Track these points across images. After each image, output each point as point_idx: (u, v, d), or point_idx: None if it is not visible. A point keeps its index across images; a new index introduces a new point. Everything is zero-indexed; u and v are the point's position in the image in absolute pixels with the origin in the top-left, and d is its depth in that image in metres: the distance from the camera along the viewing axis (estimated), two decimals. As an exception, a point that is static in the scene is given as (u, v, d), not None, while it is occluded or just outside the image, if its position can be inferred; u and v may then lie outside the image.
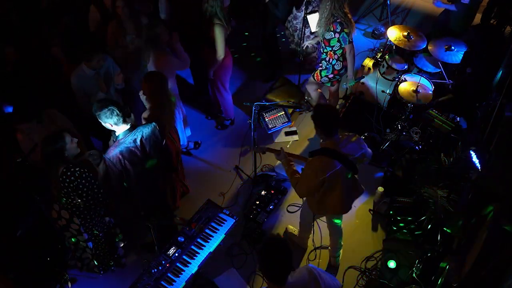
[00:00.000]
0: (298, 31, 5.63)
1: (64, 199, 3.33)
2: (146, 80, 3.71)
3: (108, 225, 3.75)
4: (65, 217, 3.47)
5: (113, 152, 3.37)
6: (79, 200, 3.31)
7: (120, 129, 3.45)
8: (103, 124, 3.41)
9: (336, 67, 4.56)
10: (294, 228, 4.34)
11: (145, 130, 3.45)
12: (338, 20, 4.21)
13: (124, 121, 3.45)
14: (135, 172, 3.47)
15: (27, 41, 4.37)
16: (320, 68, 4.70)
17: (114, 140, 3.54)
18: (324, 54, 4.56)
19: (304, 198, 3.72)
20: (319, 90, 5.08)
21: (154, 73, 3.86)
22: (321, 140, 3.33)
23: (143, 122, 3.67)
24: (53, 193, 3.38)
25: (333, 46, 4.41)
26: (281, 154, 3.56)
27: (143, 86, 3.72)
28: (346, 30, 4.25)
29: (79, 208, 3.39)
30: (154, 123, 3.49)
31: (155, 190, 3.79)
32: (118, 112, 3.35)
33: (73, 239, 3.65)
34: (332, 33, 4.30)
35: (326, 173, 3.19)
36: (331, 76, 4.62)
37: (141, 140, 3.42)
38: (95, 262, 3.88)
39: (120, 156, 3.37)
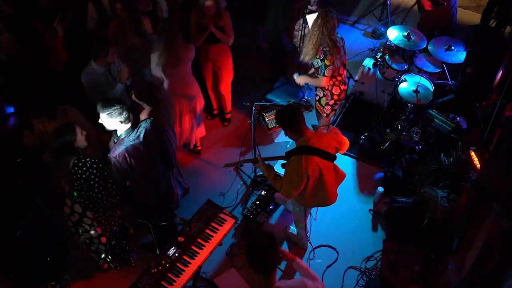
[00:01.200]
0: (298, 25, 5.65)
1: (76, 192, 3.34)
2: (137, 94, 3.75)
3: (122, 220, 3.76)
4: (78, 211, 3.47)
5: (118, 150, 3.37)
6: (91, 192, 3.31)
7: (123, 128, 3.45)
8: (110, 122, 3.39)
9: (335, 92, 4.28)
10: (294, 229, 4.34)
11: (146, 125, 3.47)
12: (324, 48, 4.01)
13: (129, 120, 3.47)
14: (139, 169, 3.47)
15: (26, 40, 4.35)
16: (317, 98, 4.46)
17: (115, 140, 3.54)
18: None
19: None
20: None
21: (145, 87, 3.88)
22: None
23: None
24: (64, 188, 3.39)
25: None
26: (259, 162, 3.59)
27: (136, 96, 3.74)
28: (326, 62, 4.02)
29: (92, 201, 3.39)
30: (151, 118, 3.51)
31: (155, 189, 3.78)
32: (127, 110, 3.39)
33: (80, 232, 3.65)
34: (319, 60, 4.10)
35: (310, 170, 3.26)
36: (331, 102, 4.36)
37: (144, 135, 3.43)
38: (109, 257, 3.87)
39: (126, 154, 3.37)
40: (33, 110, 3.71)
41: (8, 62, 4.21)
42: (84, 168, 3.23)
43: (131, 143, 3.40)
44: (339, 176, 3.65)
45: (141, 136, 3.44)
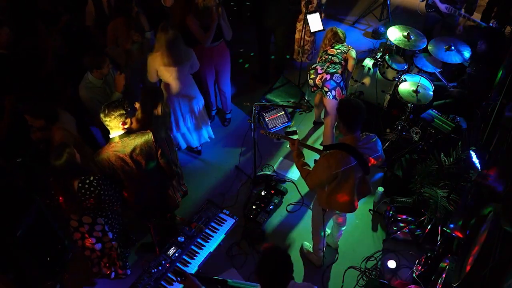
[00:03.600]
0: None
1: (85, 208, 3.29)
2: (145, 96, 3.72)
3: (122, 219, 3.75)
4: (88, 222, 3.42)
5: (102, 154, 3.31)
6: (102, 205, 3.29)
7: (116, 132, 3.40)
8: (114, 123, 3.30)
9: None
10: (309, 245, 4.21)
11: (137, 140, 3.37)
12: None
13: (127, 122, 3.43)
14: (125, 176, 3.43)
15: (24, 41, 4.35)
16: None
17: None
18: None
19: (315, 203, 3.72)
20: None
21: (152, 89, 3.87)
22: (341, 135, 3.31)
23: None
24: (69, 208, 3.31)
25: None
26: (295, 145, 3.51)
27: (143, 94, 3.71)
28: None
29: (102, 210, 3.37)
30: (150, 132, 3.43)
31: (154, 190, 3.77)
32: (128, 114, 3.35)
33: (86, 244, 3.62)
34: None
35: (341, 167, 3.15)
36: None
37: (134, 149, 3.35)
38: (119, 261, 3.83)
39: (109, 160, 3.32)
40: (30, 110, 3.55)
41: (8, 56, 4.18)
42: (92, 188, 3.20)
43: (116, 152, 3.32)
44: (366, 189, 3.53)
45: (129, 150, 3.34)
